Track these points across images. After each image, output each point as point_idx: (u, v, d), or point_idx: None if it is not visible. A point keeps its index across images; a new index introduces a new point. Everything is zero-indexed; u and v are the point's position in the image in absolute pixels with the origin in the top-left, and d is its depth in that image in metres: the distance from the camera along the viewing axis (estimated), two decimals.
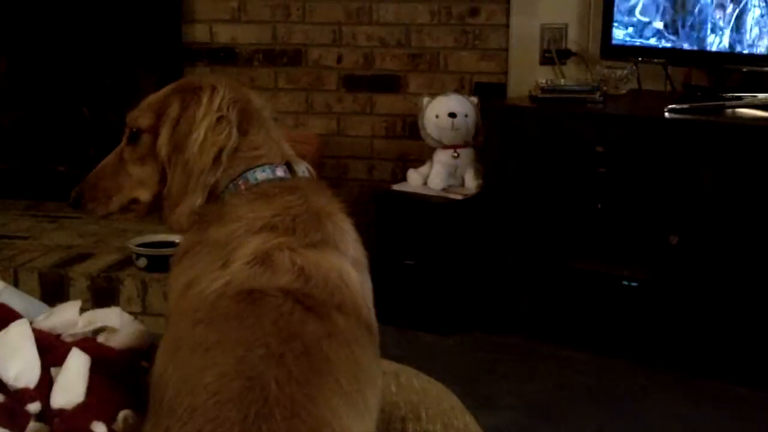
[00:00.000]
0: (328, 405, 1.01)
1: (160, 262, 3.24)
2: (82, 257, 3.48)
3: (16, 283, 3.16)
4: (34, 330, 1.24)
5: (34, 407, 1.14)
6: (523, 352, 3.24)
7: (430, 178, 3.58)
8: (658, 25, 3.35)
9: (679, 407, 2.85)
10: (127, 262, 3.40)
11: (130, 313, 1.43)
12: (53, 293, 3.22)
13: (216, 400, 0.97)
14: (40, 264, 3.40)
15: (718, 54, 3.26)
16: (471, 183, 3.55)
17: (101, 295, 3.27)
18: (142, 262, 3.32)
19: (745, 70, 3.27)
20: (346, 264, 1.17)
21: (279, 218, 1.17)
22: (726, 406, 2.86)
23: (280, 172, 1.25)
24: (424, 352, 3.24)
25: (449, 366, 3.10)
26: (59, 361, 1.20)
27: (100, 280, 3.31)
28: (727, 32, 3.21)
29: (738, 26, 3.19)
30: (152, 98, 1.32)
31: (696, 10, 3.27)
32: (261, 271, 1.11)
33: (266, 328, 1.05)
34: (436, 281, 3.44)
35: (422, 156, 3.76)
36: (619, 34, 3.40)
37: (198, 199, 1.21)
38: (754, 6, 3.15)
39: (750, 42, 3.18)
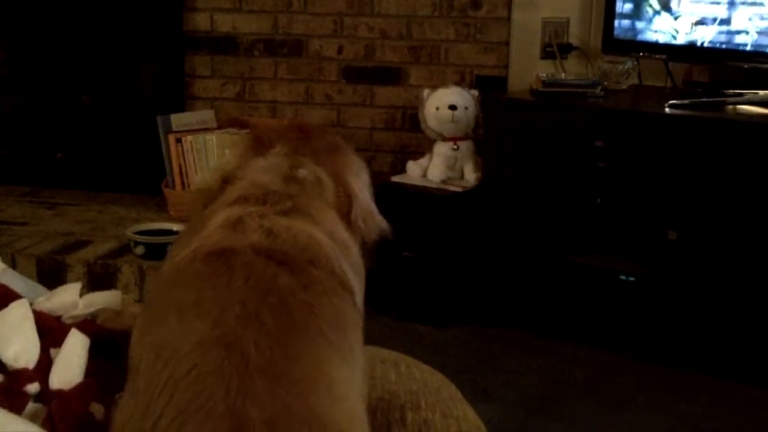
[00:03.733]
0: (314, 359, 1.00)
1: (157, 250, 3.24)
2: (80, 244, 3.48)
3: (13, 269, 3.15)
4: (34, 311, 1.24)
5: (32, 388, 1.13)
6: (520, 345, 3.25)
7: (430, 170, 3.58)
8: (660, 20, 3.35)
9: (675, 402, 2.86)
10: (124, 249, 3.40)
11: None
12: (50, 279, 3.22)
13: (197, 373, 0.95)
14: (37, 250, 3.40)
15: (720, 50, 3.25)
16: (470, 175, 3.55)
17: (98, 282, 3.27)
18: (140, 249, 3.32)
19: (746, 66, 3.27)
20: (318, 230, 1.17)
21: (251, 191, 1.21)
22: (722, 402, 2.87)
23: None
24: (421, 344, 3.24)
25: (446, 358, 3.10)
26: (59, 342, 1.20)
27: (97, 267, 3.31)
28: (729, 28, 3.21)
29: (740, 22, 3.19)
30: None
31: (698, 5, 3.27)
32: (231, 233, 1.13)
33: (239, 284, 1.04)
34: (434, 273, 3.44)
35: (422, 148, 3.76)
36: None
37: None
38: (756, 2, 3.15)
39: (751, 38, 3.17)
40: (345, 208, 1.31)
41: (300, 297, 1.06)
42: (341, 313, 1.09)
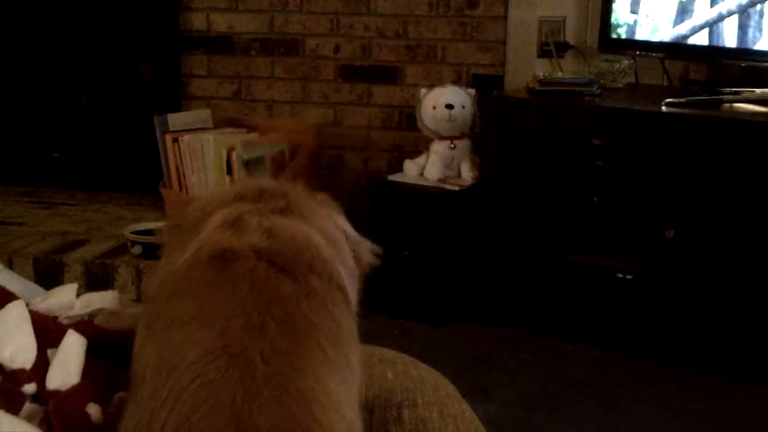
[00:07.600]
0: (315, 374, 0.99)
1: (154, 250, 3.24)
2: (77, 244, 3.48)
3: (10, 269, 3.15)
4: (30, 311, 1.24)
5: (29, 388, 1.13)
6: (517, 343, 3.25)
7: (427, 168, 3.58)
8: (657, 19, 3.36)
9: (673, 400, 2.86)
10: (122, 249, 3.41)
11: None
12: (48, 279, 3.23)
13: (201, 382, 0.94)
14: (34, 250, 3.40)
15: (716, 48, 3.26)
16: (467, 174, 3.55)
17: (96, 282, 3.28)
18: (137, 249, 3.33)
19: (743, 64, 3.27)
20: (312, 230, 1.16)
21: (247, 190, 1.20)
22: (720, 400, 2.87)
23: None
24: (419, 342, 3.24)
25: (443, 356, 3.10)
26: (55, 342, 1.19)
27: (94, 267, 3.31)
28: (726, 27, 3.21)
29: (737, 21, 3.19)
30: None
31: (695, 4, 3.27)
32: (231, 232, 1.11)
33: (243, 295, 1.03)
34: (431, 272, 3.44)
35: (419, 147, 3.76)
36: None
37: None
38: (754, 1, 3.15)
39: (748, 37, 3.18)
40: None
41: (302, 309, 1.04)
42: (340, 326, 1.08)
